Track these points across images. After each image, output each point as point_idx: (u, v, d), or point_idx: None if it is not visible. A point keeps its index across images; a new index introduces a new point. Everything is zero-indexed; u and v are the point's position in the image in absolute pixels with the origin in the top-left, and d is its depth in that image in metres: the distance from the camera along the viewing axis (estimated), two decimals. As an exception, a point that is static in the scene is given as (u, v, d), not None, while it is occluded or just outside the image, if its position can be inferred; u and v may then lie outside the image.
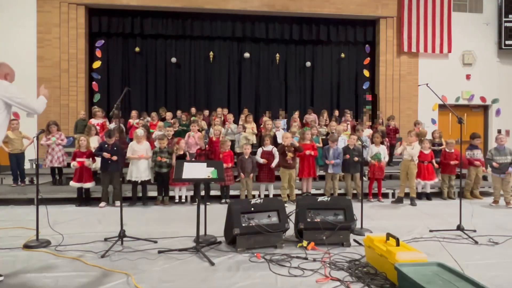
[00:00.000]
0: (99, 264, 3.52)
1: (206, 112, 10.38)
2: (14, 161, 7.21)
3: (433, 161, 7.20)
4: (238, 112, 11.11)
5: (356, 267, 3.44)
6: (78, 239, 4.34)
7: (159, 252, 3.88)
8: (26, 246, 4.03)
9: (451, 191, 7.41)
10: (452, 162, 7.25)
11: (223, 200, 6.69)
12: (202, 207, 4.14)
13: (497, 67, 12.13)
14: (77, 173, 6.42)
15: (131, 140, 7.14)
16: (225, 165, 6.14)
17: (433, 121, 11.89)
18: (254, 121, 9.29)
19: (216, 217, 5.03)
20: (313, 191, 7.16)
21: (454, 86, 11.83)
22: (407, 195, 6.82)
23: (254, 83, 12.06)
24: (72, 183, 6.48)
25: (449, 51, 11.77)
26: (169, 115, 9.45)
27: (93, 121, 8.32)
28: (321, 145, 7.82)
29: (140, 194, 6.67)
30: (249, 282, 3.17)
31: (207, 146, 7.21)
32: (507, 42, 11.89)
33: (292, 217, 4.32)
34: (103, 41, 11.29)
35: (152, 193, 6.77)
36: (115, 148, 6.34)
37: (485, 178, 8.12)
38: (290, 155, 6.61)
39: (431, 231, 4.71)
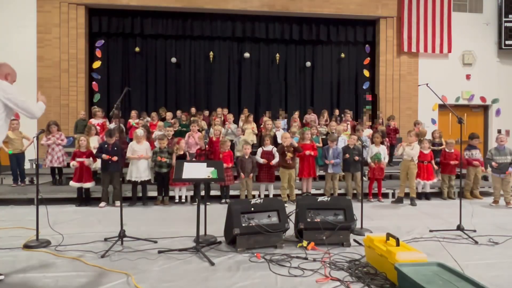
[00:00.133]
0: (99, 264, 3.52)
1: (206, 112, 10.38)
2: (14, 161, 7.21)
3: (433, 161, 7.20)
4: (238, 112, 11.11)
5: (356, 267, 3.44)
6: (78, 239, 4.34)
7: (159, 252, 3.87)
8: (26, 246, 4.03)
9: (451, 191, 7.41)
10: (452, 162, 7.25)
11: (223, 200, 6.69)
12: (202, 207, 4.14)
13: (497, 67, 12.13)
14: (77, 173, 6.42)
15: (131, 140, 7.14)
16: (225, 165, 6.14)
17: (433, 121, 11.89)
18: (254, 121, 9.30)
19: (216, 217, 5.03)
20: (313, 191, 7.16)
21: (454, 86, 11.83)
22: (407, 195, 6.82)
23: (254, 83, 12.06)
24: (72, 183, 6.48)
25: (449, 51, 11.78)
26: (169, 115, 9.45)
27: (93, 121, 8.32)
28: (321, 145, 7.84)
29: (140, 194, 6.67)
30: (249, 282, 3.17)
31: (207, 146, 7.21)
32: (507, 42, 11.89)
33: (292, 217, 4.32)
34: (103, 41, 11.29)
35: (152, 193, 6.77)
36: (115, 148, 6.34)
37: (485, 178, 8.11)
38: (289, 155, 6.61)
39: (431, 231, 4.70)
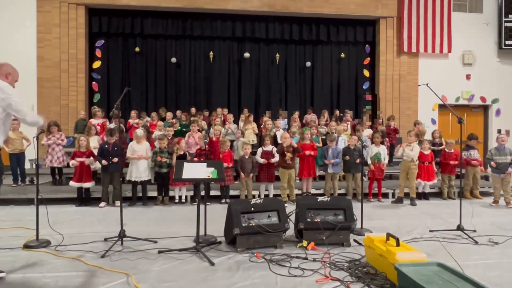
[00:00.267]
0: (99, 264, 3.52)
1: (206, 112, 10.38)
2: (14, 161, 7.21)
3: (433, 163, 7.19)
4: (238, 112, 11.11)
5: (356, 267, 3.44)
6: (78, 239, 4.34)
7: (159, 252, 3.87)
8: (26, 246, 4.03)
9: (451, 191, 7.41)
10: (451, 162, 7.25)
11: (223, 200, 6.69)
12: (202, 207, 4.14)
13: (497, 67, 12.13)
14: (76, 173, 6.42)
15: (131, 140, 7.14)
16: (225, 165, 6.14)
17: (433, 121, 11.89)
18: (254, 121, 9.30)
19: (216, 217, 5.03)
20: (313, 191, 7.16)
21: (454, 86, 11.83)
22: (406, 195, 6.82)
23: (254, 83, 12.06)
24: (72, 183, 6.48)
25: (449, 51, 11.77)
26: (169, 115, 9.45)
27: (93, 121, 8.32)
28: (321, 145, 7.84)
29: (140, 194, 6.67)
30: (249, 282, 3.17)
31: (207, 146, 7.22)
32: (507, 42, 11.89)
33: (292, 217, 4.32)
34: (103, 41, 11.28)
35: (152, 193, 6.77)
36: (115, 148, 6.34)
37: (486, 178, 8.11)
38: (289, 155, 6.61)
39: (431, 231, 4.71)
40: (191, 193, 6.84)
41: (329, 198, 4.47)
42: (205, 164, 4.16)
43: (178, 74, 11.76)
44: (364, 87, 12.26)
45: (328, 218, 4.17)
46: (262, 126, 8.87)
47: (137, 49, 11.40)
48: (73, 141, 8.50)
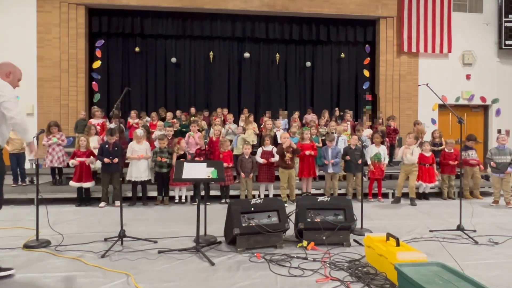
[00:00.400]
0: (99, 264, 3.52)
1: (206, 112, 10.38)
2: (14, 161, 7.20)
3: (434, 165, 7.18)
4: (238, 112, 11.10)
5: (356, 267, 3.44)
6: (78, 239, 4.34)
7: (159, 252, 3.88)
8: (26, 246, 4.03)
9: (451, 191, 7.41)
10: (451, 162, 7.25)
11: (223, 200, 6.69)
12: (202, 207, 4.14)
13: (497, 67, 12.13)
14: (76, 173, 6.42)
15: (131, 140, 7.15)
16: (225, 165, 6.14)
17: (433, 121, 11.89)
18: (254, 121, 9.29)
19: (216, 217, 5.04)
20: (313, 191, 7.16)
21: (454, 86, 11.83)
22: (404, 194, 6.81)
23: (254, 83, 12.05)
24: (71, 182, 6.48)
25: (449, 51, 11.77)
26: (169, 115, 9.45)
27: (93, 121, 8.32)
28: (320, 144, 7.83)
29: (140, 194, 6.67)
30: (249, 282, 3.17)
31: (206, 146, 7.21)
32: (507, 42, 11.88)
33: (292, 217, 4.32)
34: (103, 41, 11.28)
35: (152, 193, 6.77)
36: (115, 148, 6.34)
37: (486, 178, 8.11)
38: (288, 155, 6.60)
39: (431, 231, 4.71)
40: (191, 193, 6.84)
41: (329, 198, 4.47)
42: (205, 164, 4.16)
43: (178, 74, 11.76)
44: (364, 87, 12.25)
45: (328, 218, 4.17)
46: (262, 126, 8.87)
47: (137, 49, 11.40)
48: (73, 141, 8.51)
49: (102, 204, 6.38)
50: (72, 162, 6.40)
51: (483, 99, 12.11)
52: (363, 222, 4.84)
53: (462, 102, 12.04)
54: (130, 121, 9.02)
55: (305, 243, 4.01)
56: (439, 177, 7.48)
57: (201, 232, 4.15)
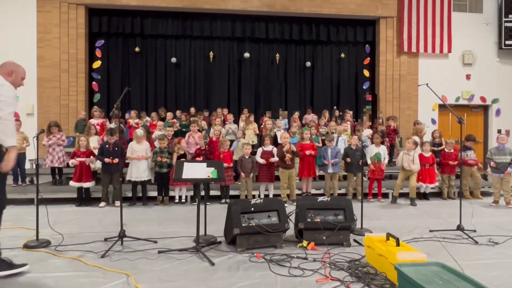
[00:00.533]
0: (99, 264, 3.52)
1: (206, 112, 10.39)
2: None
3: (435, 165, 7.18)
4: (238, 112, 11.11)
5: (356, 267, 3.44)
6: (78, 239, 4.34)
7: (159, 252, 3.87)
8: (26, 246, 4.03)
9: (451, 191, 7.41)
10: (450, 162, 7.25)
11: (223, 200, 6.69)
12: (202, 207, 4.14)
13: (497, 67, 12.13)
14: (76, 173, 6.42)
15: (131, 140, 7.15)
16: (225, 165, 6.13)
17: (433, 121, 11.89)
18: (254, 121, 9.29)
19: (216, 217, 5.04)
20: (313, 191, 7.16)
21: (454, 86, 11.83)
22: (404, 194, 6.80)
23: (254, 83, 12.06)
24: (71, 182, 6.48)
25: (449, 51, 11.78)
26: (169, 115, 9.45)
27: (92, 121, 8.32)
28: (320, 144, 7.83)
29: (140, 194, 6.67)
30: (249, 282, 3.17)
31: (206, 146, 7.21)
32: (507, 42, 11.89)
33: (292, 217, 4.32)
34: (103, 41, 11.29)
35: (152, 193, 6.77)
36: (116, 148, 6.34)
37: (486, 178, 8.11)
38: (288, 156, 6.60)
39: (431, 231, 4.71)
40: (191, 193, 6.84)
41: (329, 198, 4.47)
42: (205, 164, 4.16)
43: (178, 74, 11.77)
44: (364, 87, 12.25)
45: (328, 218, 4.17)
46: (262, 126, 8.86)
47: (137, 49, 11.41)
48: (73, 141, 8.50)
49: (102, 204, 6.38)
50: (72, 162, 6.40)
51: (483, 99, 12.11)
52: (363, 222, 4.84)
53: (462, 102, 12.05)
54: (130, 121, 9.01)
55: (305, 243, 4.01)
56: (439, 177, 7.49)
57: (201, 232, 4.15)
